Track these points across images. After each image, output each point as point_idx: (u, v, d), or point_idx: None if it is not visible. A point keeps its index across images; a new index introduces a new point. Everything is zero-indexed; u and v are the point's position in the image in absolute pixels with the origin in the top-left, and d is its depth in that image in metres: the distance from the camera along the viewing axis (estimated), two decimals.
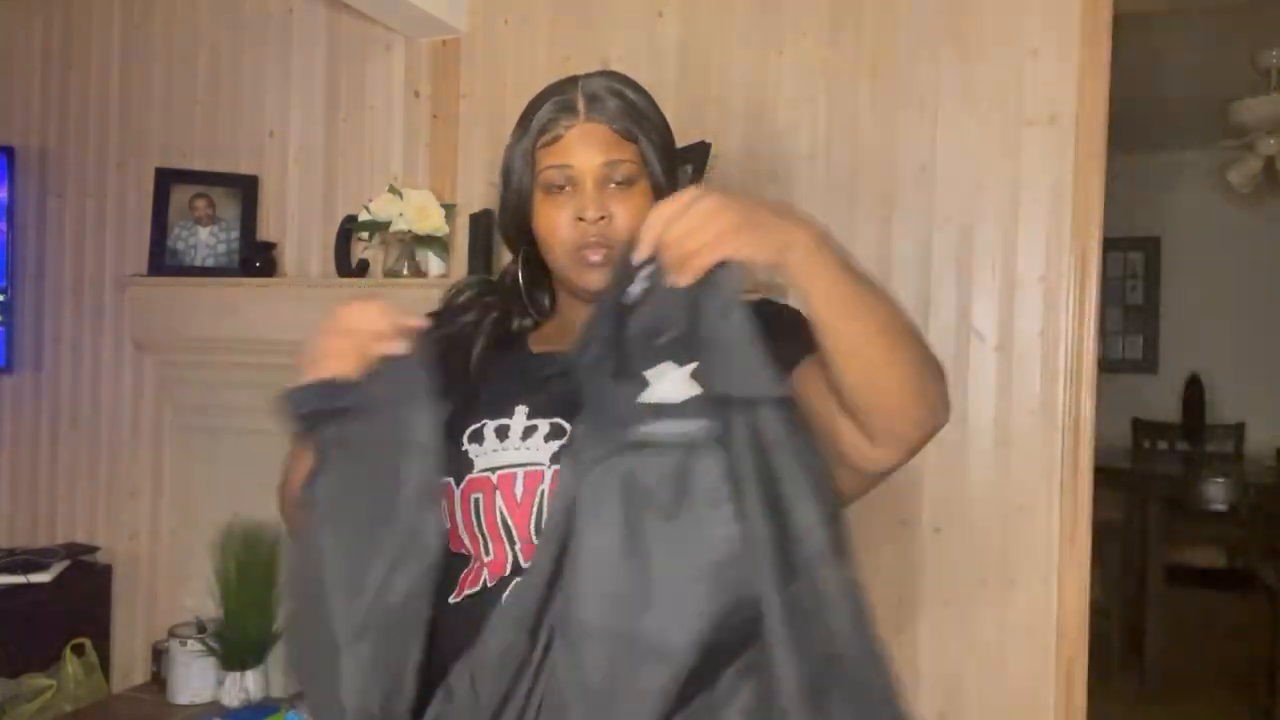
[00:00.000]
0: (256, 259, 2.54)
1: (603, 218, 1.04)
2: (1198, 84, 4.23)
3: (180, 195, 2.57)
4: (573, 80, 1.09)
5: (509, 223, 1.13)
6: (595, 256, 1.04)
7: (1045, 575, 1.94)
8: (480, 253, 2.30)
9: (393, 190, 2.32)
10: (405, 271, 2.30)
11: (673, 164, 1.12)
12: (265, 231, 2.61)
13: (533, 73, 2.34)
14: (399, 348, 0.94)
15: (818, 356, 0.92)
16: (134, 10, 2.83)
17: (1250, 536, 3.99)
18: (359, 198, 2.48)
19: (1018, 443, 1.97)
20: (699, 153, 2.11)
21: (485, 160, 2.40)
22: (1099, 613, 2.21)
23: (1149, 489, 3.97)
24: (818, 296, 0.87)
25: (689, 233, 0.84)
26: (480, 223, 2.31)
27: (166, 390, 2.66)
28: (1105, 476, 2.37)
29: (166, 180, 2.59)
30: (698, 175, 2.09)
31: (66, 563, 2.68)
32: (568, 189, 1.06)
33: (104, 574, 2.78)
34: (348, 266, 2.42)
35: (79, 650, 2.54)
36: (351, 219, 2.39)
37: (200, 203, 2.57)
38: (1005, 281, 1.99)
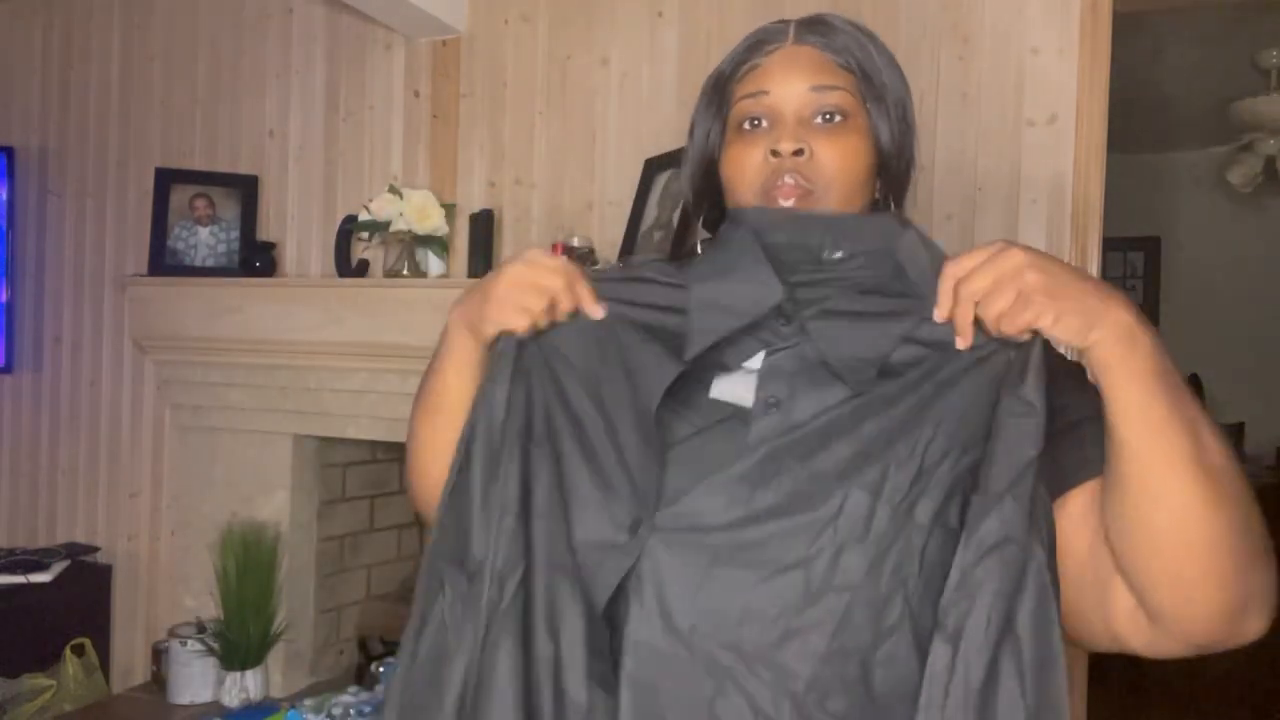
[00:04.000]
0: (256, 259, 2.54)
1: (799, 151, 0.85)
2: (1198, 84, 4.22)
3: (180, 195, 2.57)
4: (778, 22, 0.93)
5: (690, 178, 0.96)
6: (786, 199, 0.85)
7: None
8: (480, 253, 2.30)
9: (393, 190, 2.32)
10: (405, 271, 2.30)
11: (903, 128, 0.91)
12: (265, 231, 2.61)
13: (533, 73, 2.34)
14: (597, 311, 0.83)
15: (1100, 480, 0.73)
16: (134, 10, 2.83)
17: None
18: (359, 198, 2.48)
19: None
20: None
21: (485, 160, 2.40)
22: None
23: None
24: (1123, 402, 0.69)
25: (990, 292, 0.70)
26: (480, 222, 2.31)
27: (166, 390, 2.66)
28: None
29: (166, 180, 2.59)
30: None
31: (66, 563, 2.68)
32: (764, 124, 0.88)
33: (104, 574, 2.78)
34: (348, 266, 2.42)
35: (79, 650, 2.54)
36: (351, 219, 2.39)
37: (200, 203, 2.57)
38: None
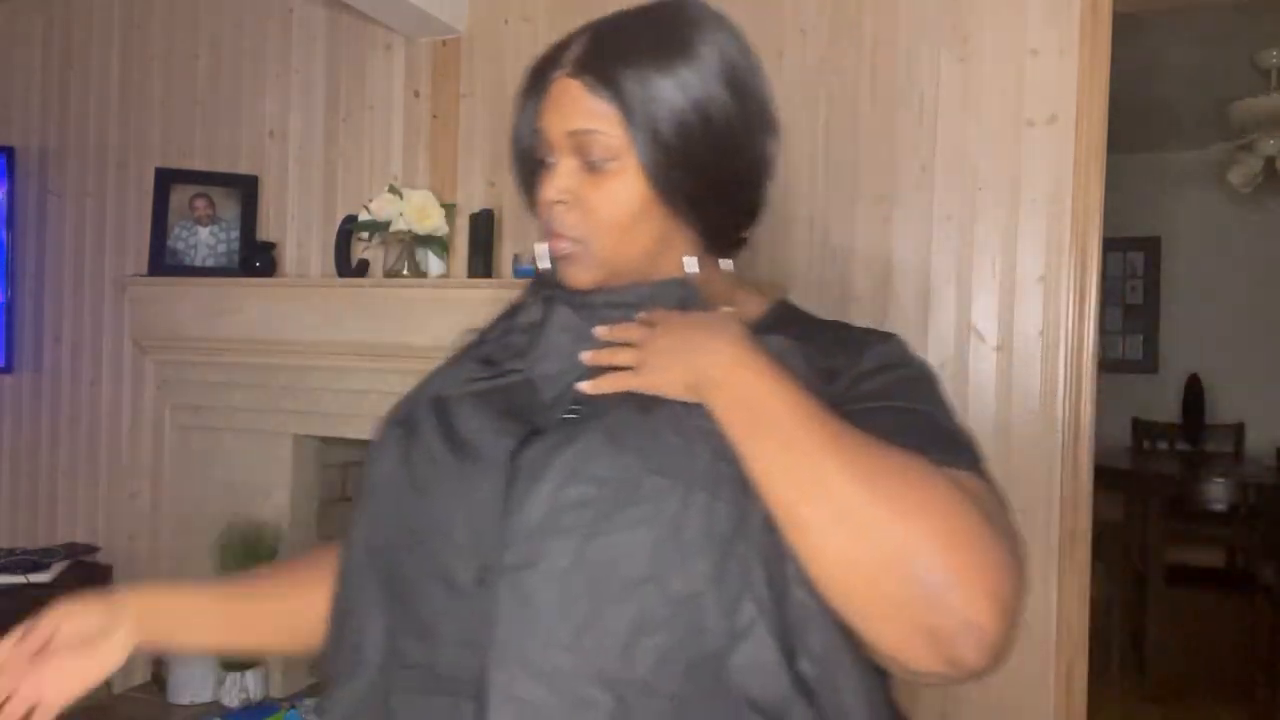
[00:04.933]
0: (256, 259, 2.54)
1: (563, 202, 0.83)
2: (1198, 84, 4.23)
3: (180, 195, 2.57)
4: (615, 14, 0.85)
5: (522, 187, 0.92)
6: (557, 246, 0.84)
7: (1045, 575, 1.94)
8: (480, 253, 2.30)
9: (393, 190, 2.32)
10: (405, 271, 2.30)
11: (703, 143, 0.81)
12: (265, 231, 2.61)
13: None
14: None
15: None
16: (134, 10, 2.83)
17: (1250, 536, 3.98)
18: (359, 198, 2.48)
19: (1018, 443, 1.97)
20: None
21: (485, 160, 2.40)
22: (1099, 613, 2.21)
23: (1149, 489, 3.97)
24: (736, 445, 0.71)
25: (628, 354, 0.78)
26: (480, 222, 2.31)
27: (166, 390, 2.66)
28: (1105, 476, 2.37)
29: (166, 180, 2.59)
30: None
31: (66, 563, 2.68)
32: (549, 160, 0.84)
33: (104, 574, 2.78)
34: (348, 266, 2.42)
35: None
36: (351, 219, 2.39)
37: (200, 203, 2.57)
38: (1005, 281, 1.99)
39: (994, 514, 0.70)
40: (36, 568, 2.60)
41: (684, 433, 0.74)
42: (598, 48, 0.81)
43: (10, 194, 2.88)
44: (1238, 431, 5.19)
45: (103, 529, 2.84)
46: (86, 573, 2.73)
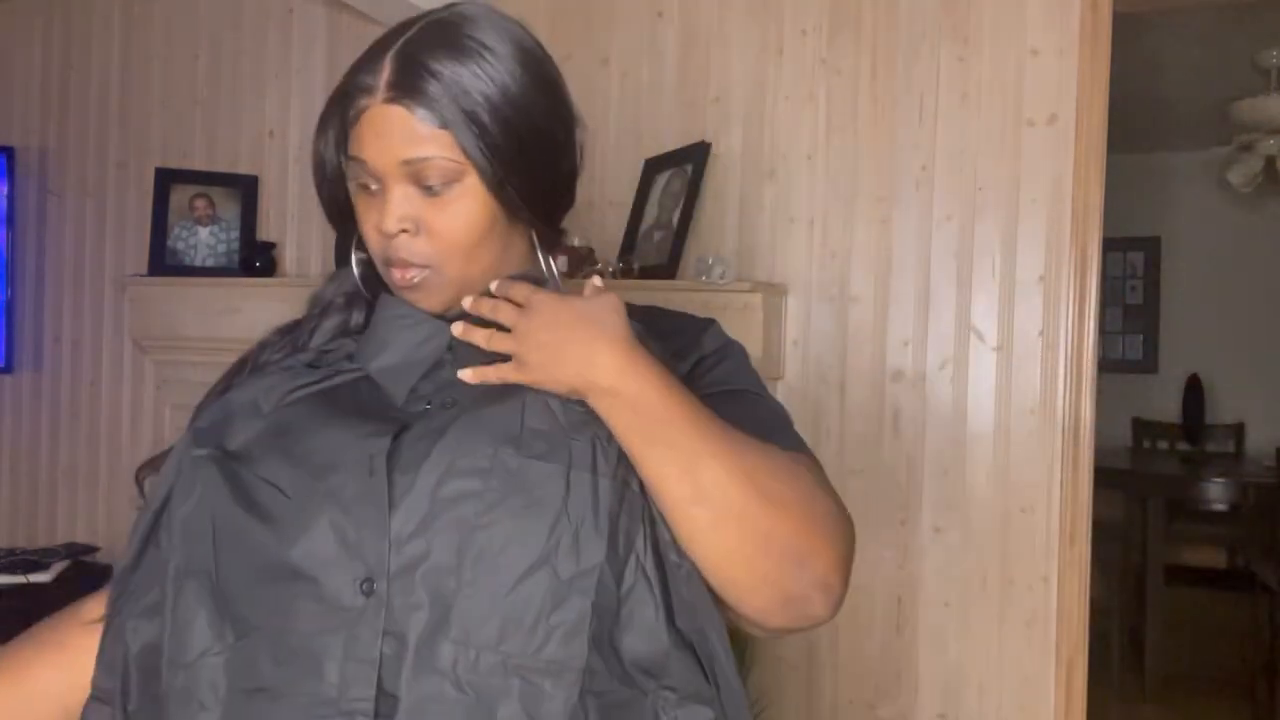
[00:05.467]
0: (256, 259, 2.54)
1: (406, 231, 0.81)
2: (1198, 84, 4.23)
3: (180, 195, 2.57)
4: (403, 28, 0.82)
5: (325, 205, 0.90)
6: (402, 276, 0.82)
7: (1045, 575, 1.94)
8: None
9: None
10: None
11: (526, 141, 0.82)
12: (265, 231, 2.61)
13: None
14: None
15: None
16: (134, 10, 2.83)
17: (1250, 536, 3.99)
18: None
19: (1018, 443, 1.97)
20: (699, 152, 2.12)
21: None
22: (1099, 613, 2.21)
23: (1149, 489, 3.97)
24: (628, 449, 0.75)
25: (507, 338, 0.76)
26: None
27: (166, 390, 2.66)
28: (1105, 476, 2.37)
29: (166, 180, 2.59)
30: (697, 175, 2.09)
31: (66, 563, 2.67)
32: (373, 186, 0.81)
33: (104, 574, 2.78)
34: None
35: None
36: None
37: (200, 203, 2.57)
38: (1005, 281, 1.99)
39: (824, 482, 0.80)
40: (36, 568, 2.60)
41: (552, 413, 0.77)
42: (407, 70, 0.79)
43: (10, 194, 2.88)
44: (1238, 431, 5.19)
45: (103, 529, 2.84)
46: (86, 573, 2.73)
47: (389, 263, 0.82)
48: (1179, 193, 5.44)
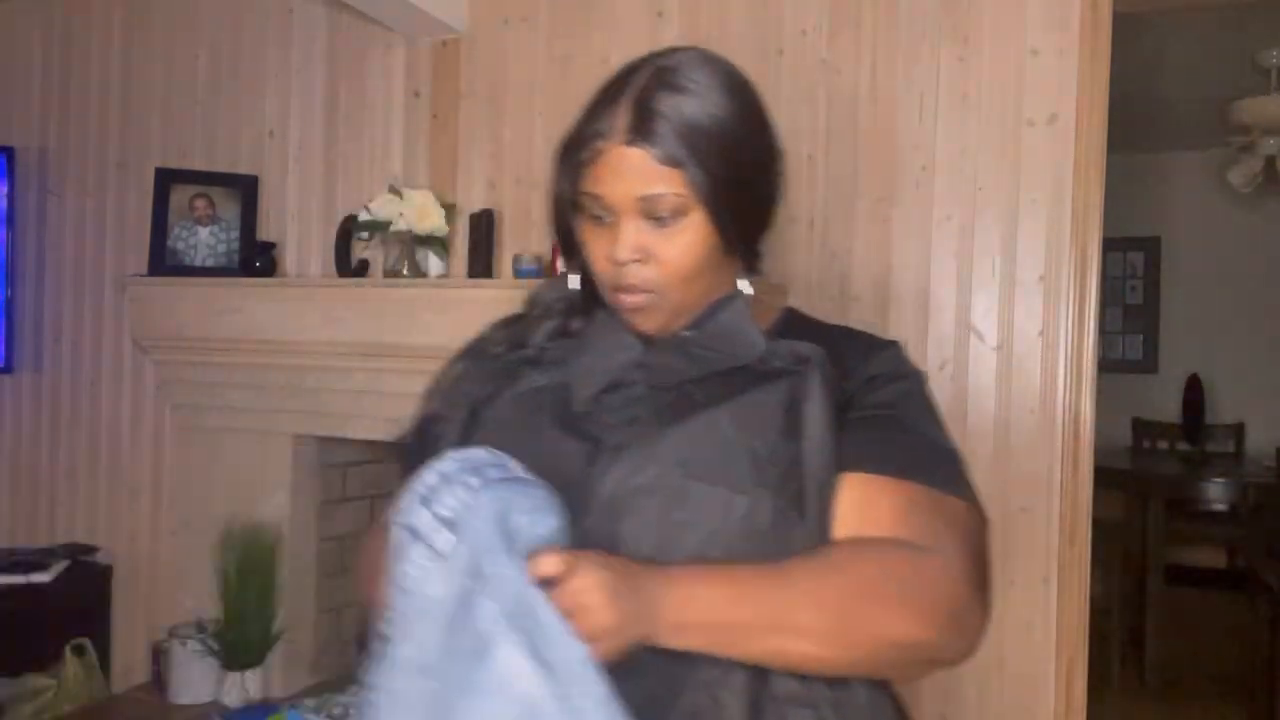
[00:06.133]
0: (256, 259, 2.54)
1: (637, 260, 0.90)
2: (1198, 84, 4.23)
3: (180, 195, 2.57)
4: (630, 74, 0.91)
5: (559, 235, 1.00)
6: (630, 300, 0.92)
7: (1045, 575, 1.94)
8: (480, 253, 2.30)
9: (393, 190, 2.32)
10: (405, 271, 2.30)
11: (745, 179, 0.92)
12: (265, 231, 2.61)
13: (533, 73, 2.35)
14: None
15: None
16: (134, 10, 2.83)
17: (1250, 536, 3.99)
18: (359, 198, 2.48)
19: (1018, 443, 1.97)
20: None
21: (485, 160, 2.40)
22: (1099, 612, 2.21)
23: (1149, 489, 3.97)
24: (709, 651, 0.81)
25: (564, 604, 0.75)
26: (480, 223, 2.31)
27: (166, 390, 2.66)
28: (1105, 476, 2.37)
29: (166, 180, 2.59)
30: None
31: (66, 563, 2.68)
32: (605, 219, 0.91)
33: (104, 574, 2.78)
34: (348, 266, 2.42)
35: (79, 650, 2.54)
36: (351, 219, 2.39)
37: (200, 203, 2.57)
38: (1005, 281, 1.99)
39: (964, 532, 0.88)
40: (36, 568, 2.61)
41: (719, 442, 0.86)
42: (643, 115, 0.88)
43: (10, 194, 2.88)
44: (1238, 431, 5.19)
45: (103, 529, 2.84)
46: (86, 573, 2.73)
47: (617, 288, 0.92)
48: (1179, 193, 5.44)
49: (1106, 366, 4.25)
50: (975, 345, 2.01)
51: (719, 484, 0.83)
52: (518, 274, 2.21)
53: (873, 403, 0.91)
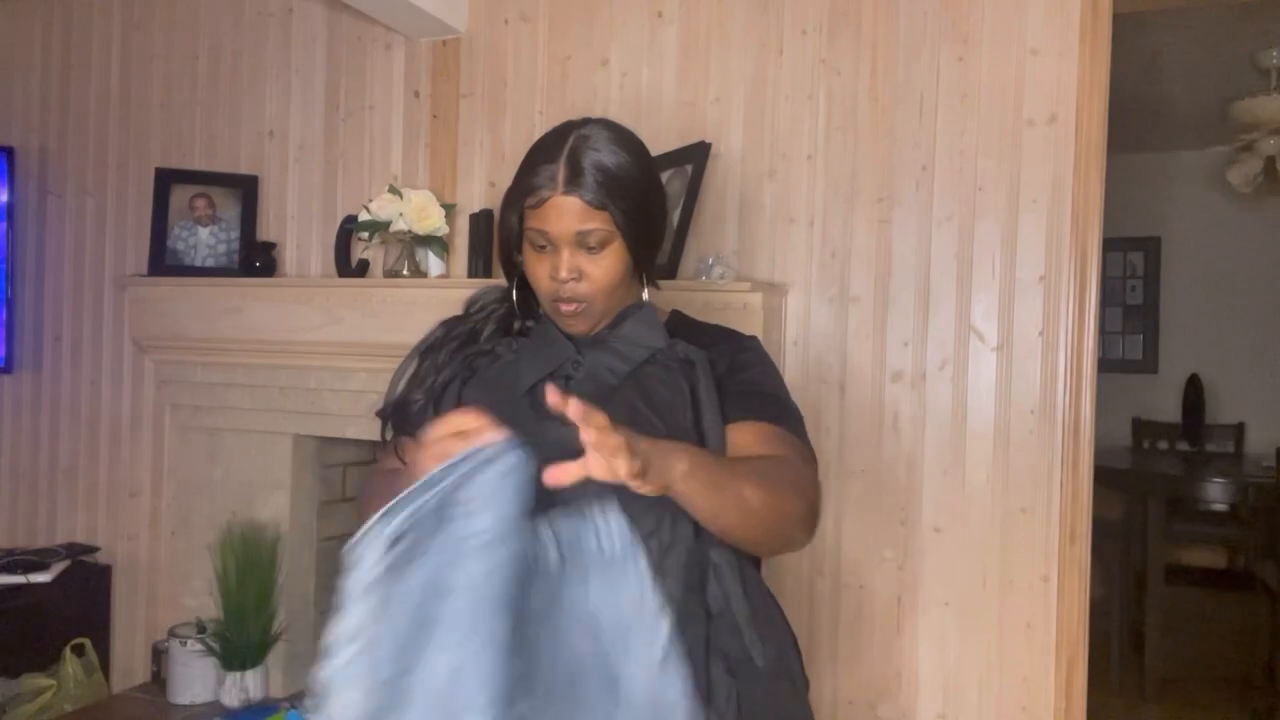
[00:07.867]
0: (256, 259, 2.54)
1: (574, 279, 1.19)
2: (1198, 84, 4.22)
3: (180, 195, 2.57)
4: (562, 139, 1.19)
5: (503, 258, 1.29)
6: (567, 308, 1.21)
7: (1045, 575, 1.94)
8: (480, 252, 2.30)
9: (393, 190, 2.32)
10: (405, 271, 2.30)
11: (649, 217, 1.23)
12: (265, 231, 2.62)
13: (533, 73, 2.35)
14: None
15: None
16: (134, 10, 2.83)
17: (1250, 536, 3.99)
18: (359, 198, 2.48)
19: (1018, 443, 1.97)
20: (699, 152, 2.11)
21: (485, 160, 2.40)
22: (1099, 613, 2.21)
23: (1149, 489, 3.96)
24: (694, 511, 1.04)
25: (596, 450, 0.91)
26: (480, 222, 2.31)
27: (166, 390, 2.66)
28: (1105, 476, 2.37)
29: (166, 180, 2.59)
30: (697, 175, 2.09)
31: (66, 563, 2.68)
32: (547, 248, 1.20)
33: (104, 574, 2.78)
34: (348, 266, 2.42)
35: (79, 650, 2.54)
36: (351, 219, 2.39)
37: (200, 203, 2.57)
38: (1005, 281, 1.99)
39: (808, 456, 1.21)
40: (36, 568, 2.61)
41: (637, 412, 1.15)
42: (576, 169, 1.17)
43: (10, 194, 2.88)
44: (1238, 431, 5.18)
45: (103, 529, 2.84)
46: (86, 573, 2.73)
47: (558, 299, 1.20)
48: (1179, 193, 5.44)
49: (1106, 366, 4.25)
50: (975, 345, 2.01)
51: None
52: None
53: (744, 379, 1.24)
